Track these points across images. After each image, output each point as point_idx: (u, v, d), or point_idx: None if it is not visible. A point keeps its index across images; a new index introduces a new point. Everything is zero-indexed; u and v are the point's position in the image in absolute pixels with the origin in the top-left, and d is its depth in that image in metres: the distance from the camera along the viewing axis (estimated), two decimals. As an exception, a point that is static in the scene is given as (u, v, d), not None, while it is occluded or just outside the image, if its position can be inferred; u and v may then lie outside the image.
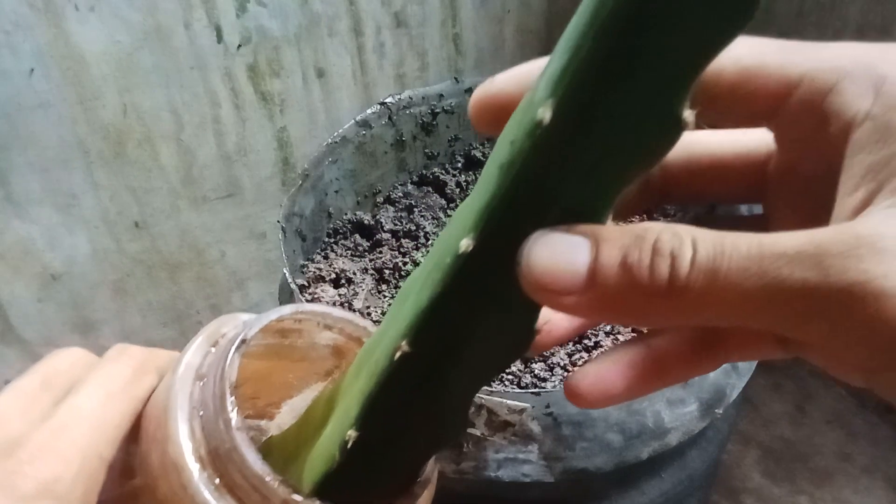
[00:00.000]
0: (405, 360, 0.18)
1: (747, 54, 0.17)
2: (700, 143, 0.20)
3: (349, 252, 0.71)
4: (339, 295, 0.64)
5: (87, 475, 0.20)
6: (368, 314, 0.63)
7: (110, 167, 0.78)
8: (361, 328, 0.24)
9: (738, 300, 0.14)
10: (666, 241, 0.15)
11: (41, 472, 0.19)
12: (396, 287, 0.66)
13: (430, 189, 0.78)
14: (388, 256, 0.69)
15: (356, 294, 0.65)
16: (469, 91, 0.78)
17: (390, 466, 0.21)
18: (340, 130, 0.71)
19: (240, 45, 0.77)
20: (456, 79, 0.77)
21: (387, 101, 0.74)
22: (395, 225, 0.73)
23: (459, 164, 0.80)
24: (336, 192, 0.73)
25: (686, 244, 0.15)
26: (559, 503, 0.56)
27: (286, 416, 0.25)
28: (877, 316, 0.13)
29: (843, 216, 0.16)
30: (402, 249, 0.70)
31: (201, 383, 0.20)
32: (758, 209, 0.21)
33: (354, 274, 0.67)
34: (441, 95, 0.77)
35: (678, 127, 0.15)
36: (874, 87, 0.16)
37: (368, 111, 0.73)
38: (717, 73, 0.17)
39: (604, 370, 0.19)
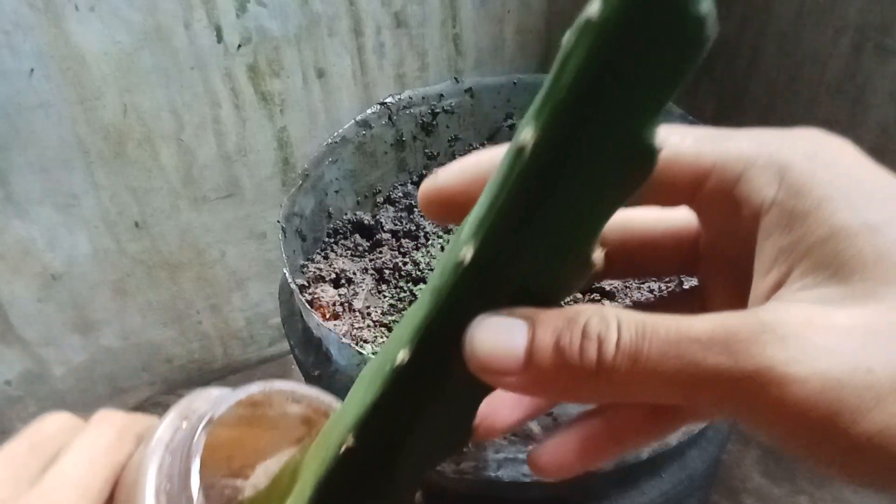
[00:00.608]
0: (350, 453, 0.19)
1: (667, 145, 0.18)
2: (634, 221, 0.22)
3: (349, 252, 0.71)
4: (339, 295, 0.64)
5: None
6: (368, 314, 0.63)
7: (110, 167, 0.78)
8: (326, 403, 0.26)
9: (659, 382, 0.15)
10: (594, 325, 0.16)
11: None
12: (396, 287, 0.66)
13: (430, 189, 0.77)
14: (388, 256, 0.69)
15: (356, 294, 0.65)
16: (469, 91, 0.78)
17: None
18: (340, 130, 0.71)
19: (240, 46, 0.77)
20: (456, 79, 0.77)
21: (387, 101, 0.74)
22: (395, 225, 0.73)
23: (459, 164, 0.80)
24: (336, 192, 0.73)
25: (612, 328, 0.16)
26: (559, 503, 0.56)
27: (260, 476, 0.26)
28: (781, 401, 0.14)
29: (758, 299, 0.17)
30: (402, 249, 0.70)
31: (170, 458, 0.22)
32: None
33: (354, 274, 0.67)
34: (441, 95, 0.77)
35: (587, 267, 0.17)
36: (778, 174, 0.17)
37: (368, 111, 0.73)
38: None
39: (561, 445, 0.20)
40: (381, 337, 0.61)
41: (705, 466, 0.60)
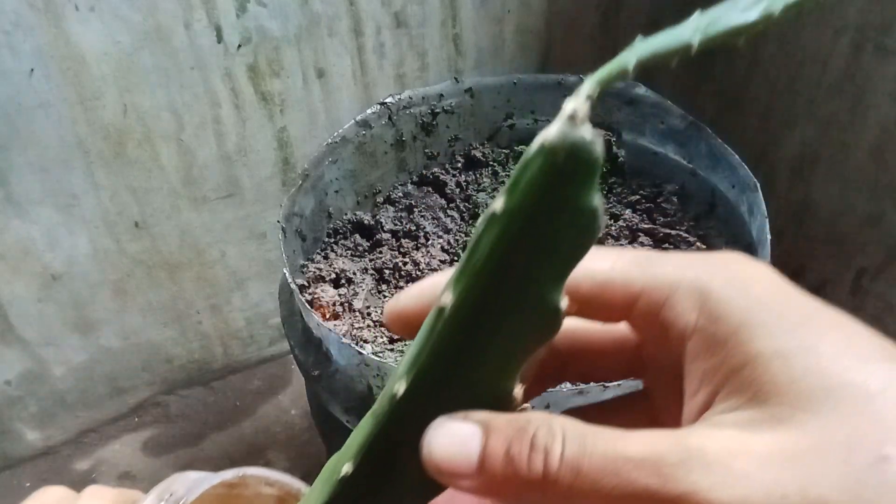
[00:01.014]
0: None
1: (599, 272, 0.20)
2: (583, 332, 0.24)
3: (349, 252, 0.71)
4: (339, 295, 0.64)
5: None
6: (368, 314, 0.63)
7: (110, 167, 0.78)
8: (296, 488, 0.28)
9: (597, 495, 0.17)
10: (541, 436, 0.17)
11: None
12: (396, 287, 0.66)
13: (430, 189, 0.78)
14: (388, 256, 0.69)
15: (356, 294, 0.65)
16: (469, 91, 0.78)
17: None
18: (340, 130, 0.71)
19: (240, 46, 0.77)
20: (456, 79, 0.77)
21: (387, 101, 0.74)
22: (395, 225, 0.73)
23: (459, 164, 0.80)
24: (336, 192, 0.73)
25: (557, 440, 0.17)
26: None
27: None
28: None
29: (688, 419, 0.19)
30: (402, 249, 0.70)
31: None
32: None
33: (354, 274, 0.67)
34: (441, 95, 0.77)
35: (511, 402, 0.19)
36: (698, 301, 0.18)
37: (368, 111, 0.73)
38: (575, 286, 0.20)
39: None
40: (381, 337, 0.61)
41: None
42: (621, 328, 0.23)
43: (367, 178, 0.76)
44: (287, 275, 0.57)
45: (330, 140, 0.70)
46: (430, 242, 0.70)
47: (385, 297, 0.65)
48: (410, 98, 0.75)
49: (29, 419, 0.90)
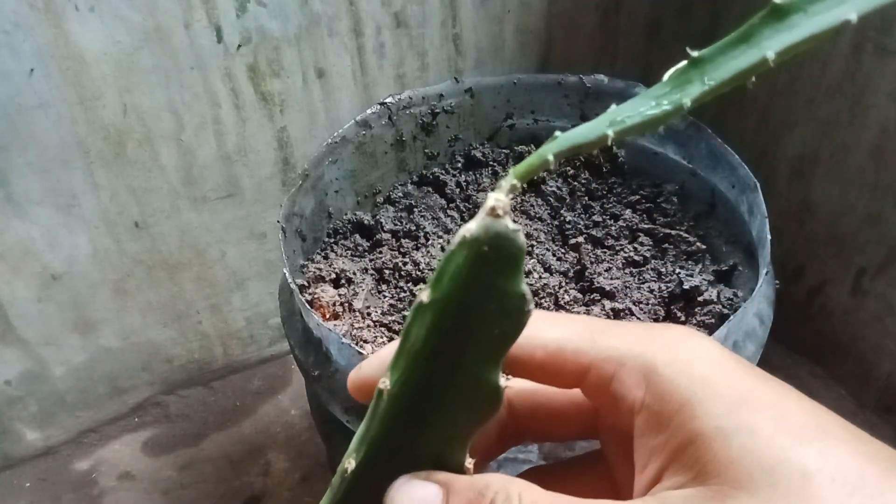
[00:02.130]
0: None
1: (552, 341, 0.20)
2: (541, 394, 0.24)
3: (349, 252, 0.71)
4: (339, 295, 0.64)
5: None
6: (368, 314, 0.63)
7: (110, 167, 0.78)
8: None
9: None
10: (499, 501, 0.18)
11: None
12: (396, 287, 0.66)
13: (430, 189, 0.78)
14: (388, 256, 0.69)
15: (356, 294, 0.65)
16: (469, 91, 0.78)
17: None
18: (340, 130, 0.71)
19: (240, 46, 0.77)
20: (456, 79, 0.77)
21: (387, 101, 0.74)
22: (395, 225, 0.73)
23: (459, 164, 0.80)
24: (336, 192, 0.73)
25: None
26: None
27: None
28: None
29: (640, 491, 0.19)
30: (402, 249, 0.70)
31: None
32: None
33: (354, 274, 0.67)
34: (441, 95, 0.77)
35: (462, 472, 0.20)
36: (644, 378, 0.19)
37: (368, 111, 0.73)
38: (529, 354, 0.20)
39: None
40: (381, 337, 0.61)
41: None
42: (575, 391, 0.23)
43: (367, 178, 0.76)
44: (287, 275, 0.57)
45: (330, 140, 0.70)
46: (430, 242, 0.70)
47: (385, 297, 0.65)
48: (410, 98, 0.75)
49: (29, 419, 0.90)
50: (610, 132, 0.17)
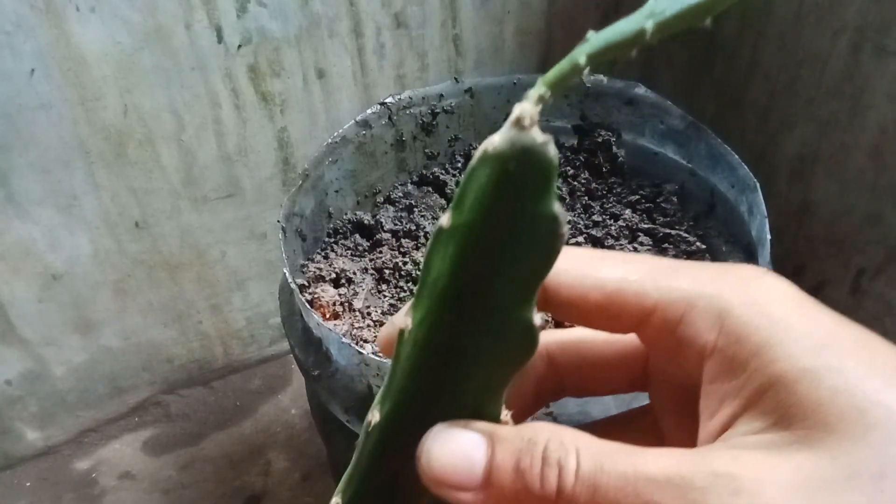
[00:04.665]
0: None
1: (611, 281, 0.19)
2: (586, 344, 0.22)
3: (349, 252, 0.71)
4: (339, 295, 0.64)
5: None
6: (368, 314, 0.63)
7: (111, 168, 0.78)
8: None
9: None
10: (553, 450, 0.16)
11: None
12: (397, 287, 0.66)
13: (430, 189, 0.78)
14: (388, 256, 0.69)
15: (356, 294, 0.65)
16: (469, 91, 0.78)
17: None
18: (340, 131, 0.71)
19: (240, 46, 0.77)
20: (456, 79, 0.77)
21: (387, 101, 0.74)
22: (395, 225, 0.73)
23: (459, 164, 0.80)
24: (336, 192, 0.73)
25: (571, 455, 0.16)
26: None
27: None
28: None
29: (706, 439, 0.18)
30: (402, 249, 0.70)
31: None
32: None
33: (354, 274, 0.67)
34: (441, 96, 0.77)
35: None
36: (717, 320, 0.17)
37: (368, 111, 0.73)
38: (583, 296, 0.19)
39: None
40: (382, 337, 0.61)
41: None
42: (626, 340, 0.22)
43: (367, 178, 0.76)
44: (287, 275, 0.57)
45: (330, 140, 0.71)
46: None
47: (385, 296, 0.65)
48: (410, 98, 0.75)
49: (29, 419, 0.90)
50: (649, 25, 0.14)
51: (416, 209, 0.75)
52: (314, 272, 0.66)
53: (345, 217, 0.74)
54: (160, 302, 0.90)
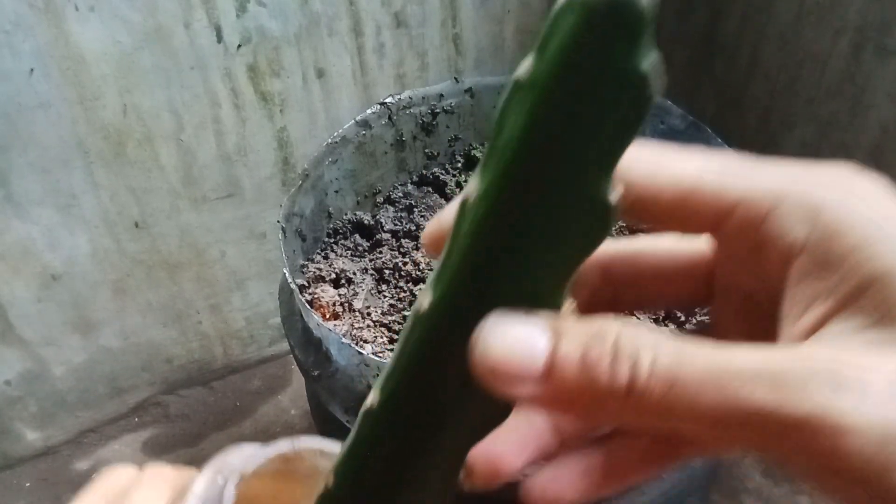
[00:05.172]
0: (327, 497, 0.19)
1: (687, 175, 0.17)
2: (645, 252, 0.21)
3: (349, 252, 0.71)
4: (339, 295, 0.64)
5: None
6: (368, 314, 0.63)
7: (110, 167, 0.78)
8: None
9: (692, 413, 0.14)
10: (626, 342, 0.15)
11: None
12: (396, 287, 0.66)
13: (430, 189, 0.78)
14: (388, 256, 0.69)
15: (356, 294, 0.65)
16: (469, 91, 0.78)
17: None
18: (340, 130, 0.71)
19: (240, 45, 0.77)
20: (456, 79, 0.77)
21: (387, 101, 0.74)
22: (395, 225, 0.73)
23: (459, 164, 0.80)
24: (336, 192, 0.73)
25: (646, 348, 0.15)
26: (559, 503, 0.56)
27: None
28: (833, 451, 0.13)
29: (794, 340, 0.16)
30: (402, 249, 0.70)
31: None
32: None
33: (354, 274, 0.67)
34: (441, 95, 0.77)
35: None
36: (809, 216, 0.16)
37: (368, 111, 0.73)
38: (656, 193, 0.17)
39: (556, 478, 0.19)
40: (381, 337, 0.61)
41: (705, 466, 0.60)
42: (693, 247, 0.20)
43: (367, 178, 0.76)
44: (287, 275, 0.57)
45: (330, 140, 0.70)
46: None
47: (385, 296, 0.65)
48: (410, 98, 0.75)
49: (29, 419, 0.90)
50: None
51: (416, 209, 0.75)
52: (314, 272, 0.66)
53: (345, 217, 0.74)
54: (159, 302, 0.90)
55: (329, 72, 0.84)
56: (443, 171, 0.78)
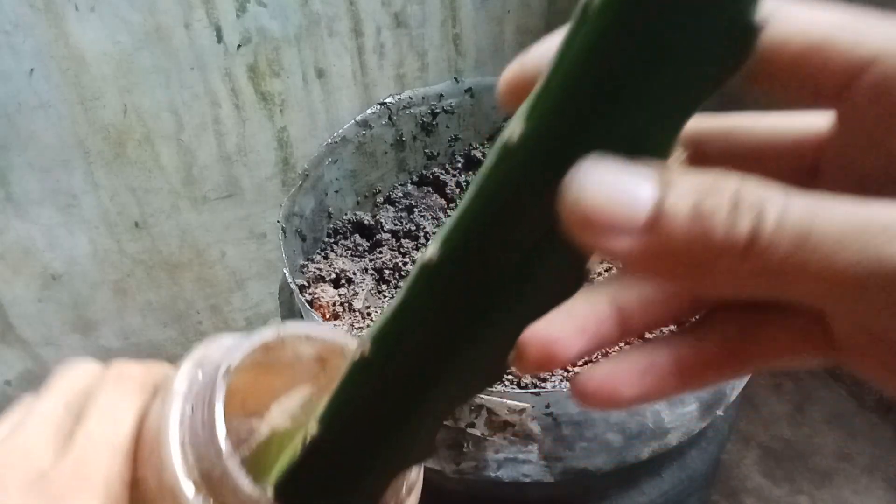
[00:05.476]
0: (363, 363, 0.17)
1: (817, 26, 0.15)
2: (745, 125, 0.19)
3: (349, 252, 0.71)
4: (339, 295, 0.64)
5: (115, 500, 0.21)
6: (368, 314, 0.63)
7: (110, 167, 0.78)
8: (342, 343, 0.25)
9: (825, 275, 0.12)
10: (751, 191, 0.13)
11: None
12: (396, 287, 0.66)
13: (430, 189, 0.78)
14: (388, 256, 0.69)
15: (356, 294, 0.65)
16: (469, 91, 0.78)
17: (357, 472, 0.21)
18: (340, 130, 0.71)
19: (240, 46, 0.77)
20: (456, 79, 0.77)
21: (387, 101, 0.74)
22: (395, 225, 0.73)
23: (459, 164, 0.80)
24: (336, 192, 0.73)
25: (774, 200, 0.13)
26: (559, 503, 0.56)
27: (275, 414, 0.26)
28: None
29: None
30: (402, 249, 0.70)
31: (190, 410, 0.22)
32: None
33: (354, 274, 0.67)
34: (441, 95, 0.77)
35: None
36: None
37: (368, 111, 0.73)
38: (781, 44, 0.15)
39: (618, 372, 0.17)
40: (382, 337, 0.61)
41: (705, 466, 0.60)
42: (794, 125, 0.18)
43: (367, 178, 0.76)
44: (287, 275, 0.57)
45: (330, 140, 0.70)
46: (430, 242, 0.70)
47: (385, 297, 0.65)
48: (410, 98, 0.75)
49: (29, 419, 0.90)
50: None
51: (416, 209, 0.75)
52: (314, 272, 0.66)
53: (345, 217, 0.74)
54: (160, 302, 0.90)
55: (329, 72, 0.84)
56: (443, 171, 0.78)
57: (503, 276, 0.16)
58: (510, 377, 0.55)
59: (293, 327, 0.24)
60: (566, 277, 0.16)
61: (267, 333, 0.23)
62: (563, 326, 0.17)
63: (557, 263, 0.15)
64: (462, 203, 0.15)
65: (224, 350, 0.23)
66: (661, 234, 0.13)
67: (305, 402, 0.25)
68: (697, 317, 0.18)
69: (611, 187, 0.13)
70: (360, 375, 0.18)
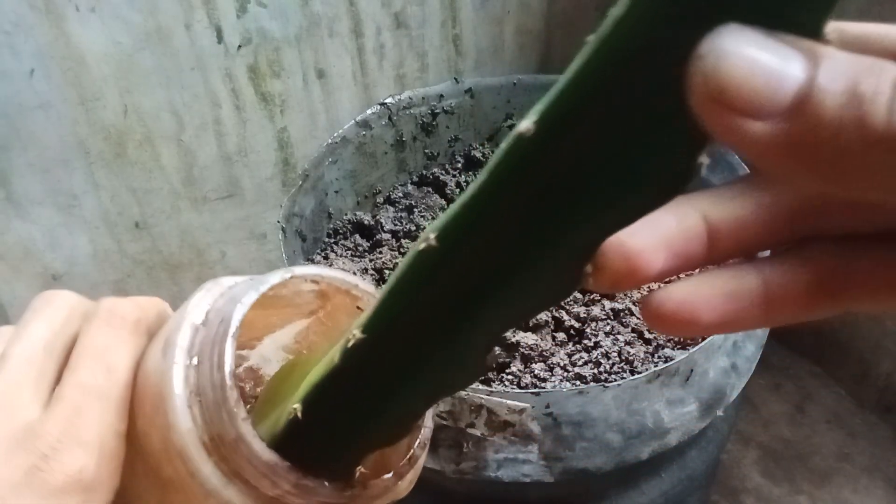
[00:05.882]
0: (426, 252, 0.15)
1: None
2: (879, 32, 0.16)
3: (349, 252, 0.71)
4: (340, 295, 0.64)
5: (110, 455, 0.19)
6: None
7: (111, 168, 0.78)
8: (348, 282, 0.24)
9: None
10: None
11: (66, 464, 0.18)
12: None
13: (430, 189, 0.78)
14: (388, 257, 0.69)
15: (356, 294, 0.65)
16: (469, 91, 0.78)
17: (396, 388, 0.19)
18: (340, 131, 0.71)
19: (240, 46, 0.77)
20: (456, 79, 0.77)
21: (387, 101, 0.74)
22: (395, 225, 0.73)
23: (459, 165, 0.80)
24: (336, 192, 0.73)
25: None
26: (559, 503, 0.56)
27: (268, 346, 0.25)
28: None
29: None
30: (402, 250, 0.70)
31: (195, 365, 0.20)
32: None
33: (354, 274, 0.67)
34: (441, 96, 0.77)
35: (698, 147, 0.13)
36: None
37: (368, 112, 0.73)
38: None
39: (701, 292, 0.15)
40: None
41: (705, 466, 0.60)
42: None
43: (367, 179, 0.76)
44: (287, 275, 0.57)
45: (330, 140, 0.71)
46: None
47: (385, 297, 0.65)
48: (410, 98, 0.75)
49: (29, 419, 0.90)
50: None
51: (416, 209, 0.75)
52: (314, 272, 0.66)
53: (345, 217, 0.74)
54: (160, 302, 0.90)
55: (329, 72, 0.84)
56: (443, 172, 0.79)
57: (598, 165, 0.14)
58: (510, 377, 0.55)
59: (301, 270, 0.23)
60: (666, 176, 0.14)
61: (273, 279, 0.22)
62: (649, 238, 0.15)
63: (660, 156, 0.13)
64: (570, 70, 0.13)
65: (228, 300, 0.22)
66: (807, 118, 0.11)
67: (299, 334, 0.25)
68: (789, 246, 0.16)
69: (752, 61, 0.11)
70: (420, 272, 0.16)
